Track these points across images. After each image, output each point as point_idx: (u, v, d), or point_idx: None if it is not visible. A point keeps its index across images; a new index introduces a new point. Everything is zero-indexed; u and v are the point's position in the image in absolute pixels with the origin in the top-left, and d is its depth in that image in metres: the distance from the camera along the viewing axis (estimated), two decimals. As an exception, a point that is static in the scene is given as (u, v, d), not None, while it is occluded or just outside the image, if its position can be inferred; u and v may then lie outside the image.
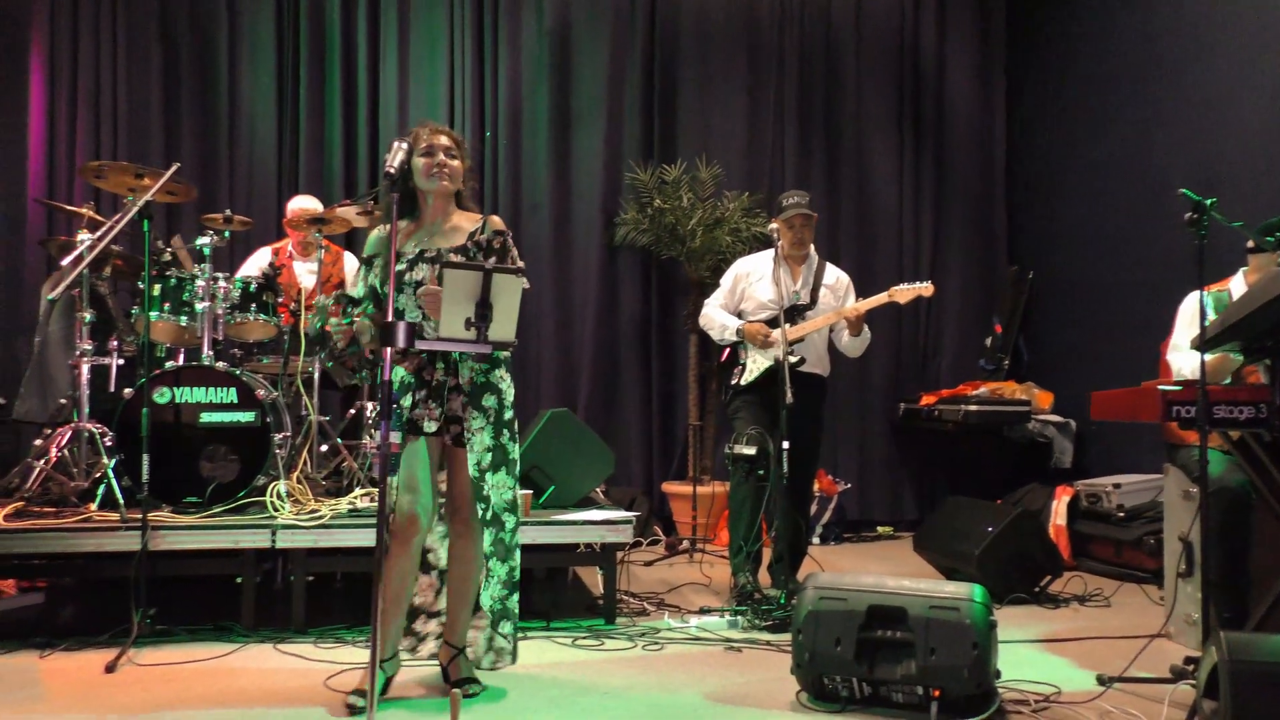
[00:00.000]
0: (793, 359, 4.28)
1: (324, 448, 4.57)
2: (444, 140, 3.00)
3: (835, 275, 4.68)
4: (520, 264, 2.64)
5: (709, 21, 6.72)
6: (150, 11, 6.02)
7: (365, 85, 6.30)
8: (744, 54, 6.75)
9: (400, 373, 2.99)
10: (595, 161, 6.57)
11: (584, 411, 6.27)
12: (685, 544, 5.82)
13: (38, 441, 4.25)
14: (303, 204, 5.11)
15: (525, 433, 4.80)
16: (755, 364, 4.49)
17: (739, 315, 4.62)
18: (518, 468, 3.09)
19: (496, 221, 3.07)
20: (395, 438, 2.52)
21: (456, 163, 3.00)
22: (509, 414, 3.05)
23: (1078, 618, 4.28)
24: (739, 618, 4.05)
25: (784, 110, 6.78)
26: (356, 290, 3.09)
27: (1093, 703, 3.04)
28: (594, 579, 4.69)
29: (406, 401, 2.96)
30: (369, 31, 6.32)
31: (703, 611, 4.24)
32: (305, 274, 4.95)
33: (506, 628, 3.09)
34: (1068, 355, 6.43)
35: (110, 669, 3.29)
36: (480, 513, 2.97)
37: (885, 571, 4.58)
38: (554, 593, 4.72)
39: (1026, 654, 3.64)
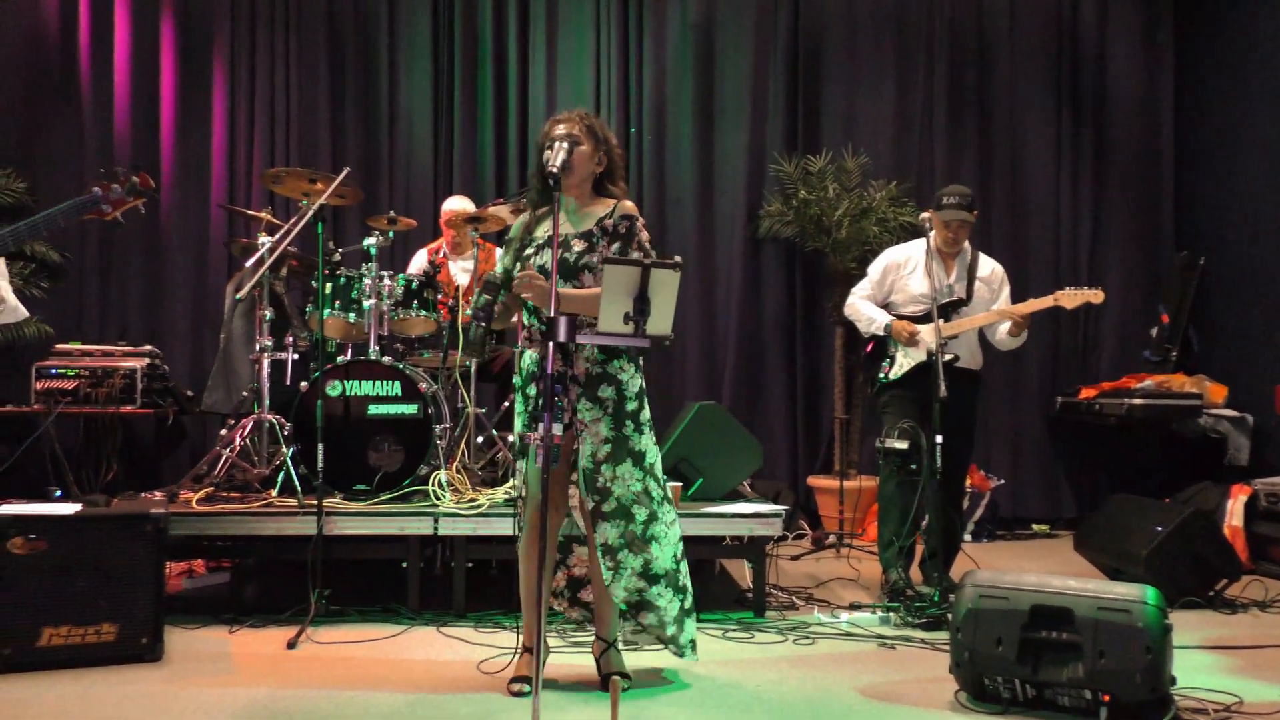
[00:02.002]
0: (946, 356, 4.19)
1: (480, 439, 4.74)
2: (560, 130, 2.98)
3: (989, 267, 4.54)
4: (678, 258, 2.66)
5: (855, 7, 6.61)
6: (318, 23, 6.36)
7: (515, 85, 6.48)
8: (891, 39, 6.61)
9: (528, 359, 3.05)
10: (739, 154, 6.57)
11: (728, 404, 6.27)
12: (832, 539, 5.76)
13: (223, 431, 4.57)
14: (457, 204, 5.30)
15: (673, 425, 4.86)
16: (905, 358, 4.41)
17: (887, 307, 4.54)
18: (651, 459, 3.04)
19: (628, 206, 3.07)
20: (556, 429, 2.59)
21: (580, 149, 2.97)
22: (632, 405, 2.99)
23: (1258, 625, 4.03)
24: (891, 614, 4.00)
25: (933, 95, 6.60)
26: (497, 269, 3.15)
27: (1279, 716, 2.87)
28: (740, 572, 4.71)
29: (531, 391, 3.02)
30: (518, 32, 6.49)
31: (853, 607, 4.20)
32: (460, 272, 5.14)
33: (650, 619, 3.09)
34: (1244, 346, 6.04)
35: (292, 645, 3.51)
36: (594, 504, 2.99)
37: (1044, 570, 4.42)
38: (701, 584, 4.74)
39: (1201, 660, 3.46)
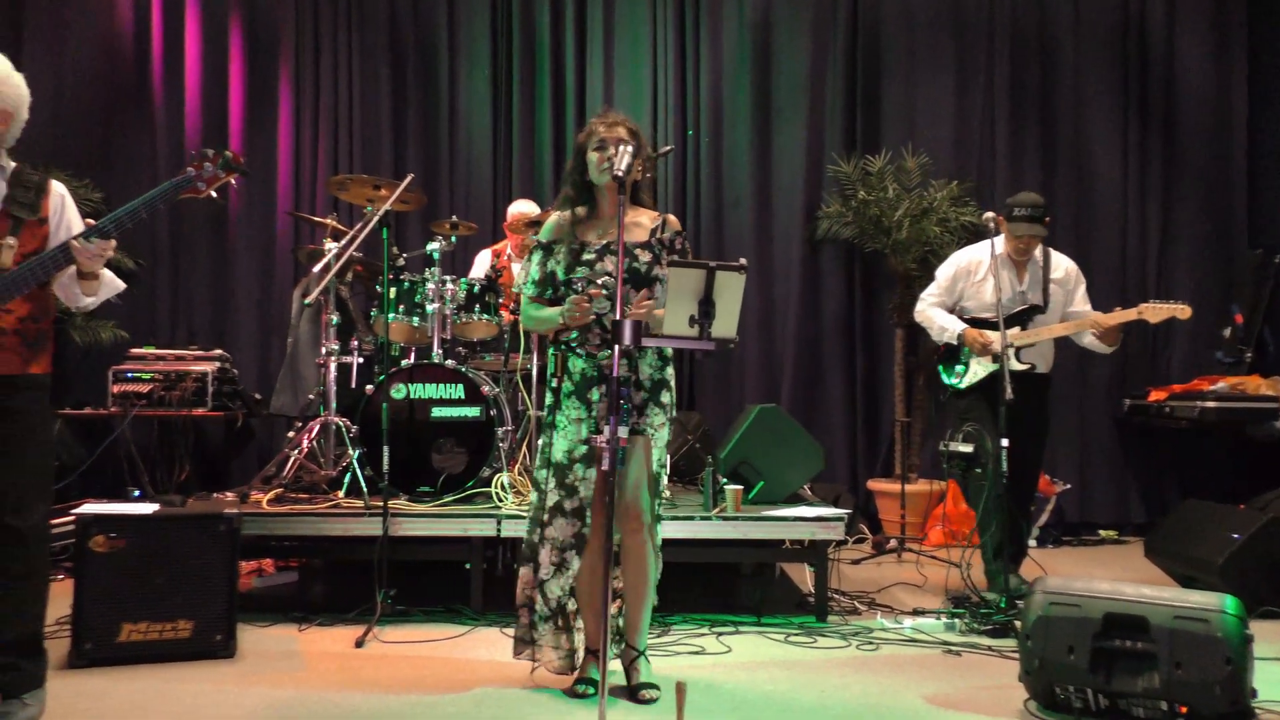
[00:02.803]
0: (1022, 365, 4.13)
1: (540, 441, 4.76)
2: (620, 132, 2.96)
3: (1063, 267, 4.44)
4: (743, 261, 2.66)
5: (913, 5, 6.53)
6: (380, 31, 6.47)
7: (572, 88, 6.52)
8: (951, 37, 6.52)
9: (581, 362, 3.04)
10: (797, 155, 6.53)
11: (787, 407, 6.23)
12: (893, 543, 5.70)
13: (290, 433, 4.66)
14: (521, 208, 5.35)
15: (733, 428, 4.86)
16: (979, 365, 4.33)
17: (960, 312, 4.47)
18: None
19: (675, 221, 3.08)
20: (622, 432, 2.60)
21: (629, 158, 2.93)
22: (675, 412, 3.10)
23: (1341, 636, 3.90)
24: (956, 620, 3.94)
25: (994, 94, 6.50)
26: (531, 274, 3.11)
27: (1366, 730, 2.78)
28: (801, 575, 4.69)
29: (594, 395, 3.01)
30: (576, 35, 6.53)
31: (917, 613, 4.15)
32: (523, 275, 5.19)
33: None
34: (1325, 347, 5.85)
35: (359, 644, 3.57)
36: (657, 508, 3.01)
37: (1113, 577, 4.32)
38: (762, 588, 4.75)
39: (1283, 673, 3.36)
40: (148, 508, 3.47)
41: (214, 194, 2.75)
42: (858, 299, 6.51)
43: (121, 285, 2.86)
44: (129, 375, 5.28)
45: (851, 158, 6.29)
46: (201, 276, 6.34)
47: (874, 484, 6.25)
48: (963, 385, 4.39)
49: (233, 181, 2.76)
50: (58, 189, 2.77)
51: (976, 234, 5.56)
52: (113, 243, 2.65)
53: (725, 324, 2.65)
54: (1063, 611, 2.86)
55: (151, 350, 5.50)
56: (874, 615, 4.13)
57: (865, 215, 6.12)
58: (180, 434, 5.66)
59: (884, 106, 6.56)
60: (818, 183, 6.49)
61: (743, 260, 2.66)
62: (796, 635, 3.81)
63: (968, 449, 4.16)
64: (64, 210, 2.76)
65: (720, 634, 3.81)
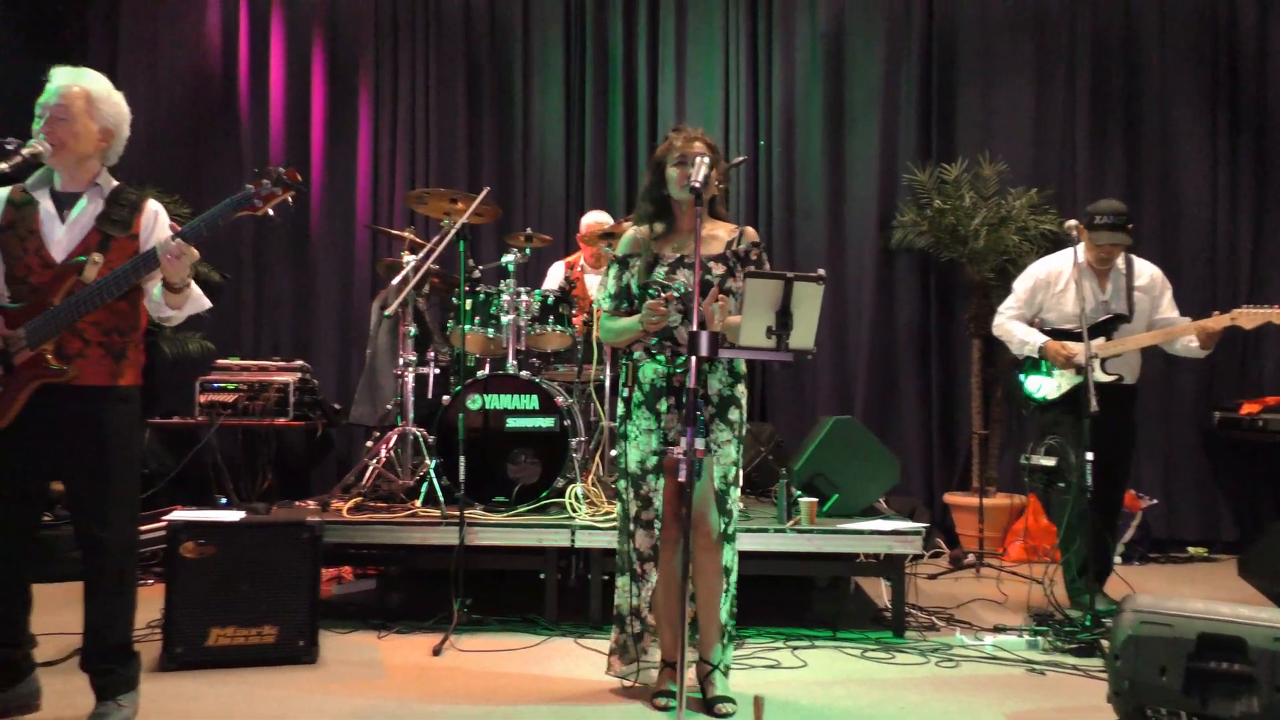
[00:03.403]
0: (1108, 377, 4.02)
1: (614, 452, 4.79)
2: (697, 147, 2.99)
3: (1147, 274, 4.32)
4: (821, 272, 2.64)
5: (991, 8, 6.42)
6: (456, 47, 6.59)
7: (645, 100, 6.55)
8: (1030, 41, 6.39)
9: (650, 373, 3.05)
10: (870, 164, 6.46)
11: (860, 418, 6.12)
12: (970, 558, 5.59)
13: (369, 443, 4.76)
14: (595, 218, 5.38)
15: (807, 440, 4.81)
16: (1063, 378, 4.23)
17: (1040, 324, 4.36)
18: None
19: (752, 233, 3.08)
20: (700, 444, 2.60)
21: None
22: (744, 431, 3.07)
23: None
24: (1039, 638, 3.85)
25: (1075, 97, 6.35)
26: (608, 288, 3.14)
27: None
28: (876, 590, 4.62)
29: (662, 406, 3.01)
30: (648, 48, 6.56)
31: (998, 630, 4.06)
32: (596, 286, 5.21)
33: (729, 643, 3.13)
34: None
35: (436, 652, 3.62)
36: (724, 526, 2.99)
37: (1205, 596, 4.17)
38: (837, 602, 4.69)
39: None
40: (234, 515, 3.57)
41: (270, 212, 2.79)
42: (933, 309, 6.41)
43: (208, 303, 2.92)
44: (215, 385, 5.44)
45: (926, 166, 6.20)
46: (284, 289, 6.52)
47: (950, 498, 6.13)
48: (1046, 398, 4.29)
49: (289, 199, 2.80)
50: (152, 206, 2.86)
51: (1056, 243, 5.43)
52: (194, 251, 2.70)
53: (803, 335, 2.63)
54: (1154, 631, 2.76)
55: (236, 361, 5.66)
56: (953, 632, 4.05)
57: (940, 224, 6.02)
58: (263, 443, 5.82)
59: (960, 113, 6.45)
60: (892, 192, 6.41)
61: (821, 271, 2.64)
62: (873, 651, 3.75)
63: (1050, 463, 4.07)
64: (155, 226, 2.82)
65: (795, 648, 3.78)
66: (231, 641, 3.39)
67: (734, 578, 3.09)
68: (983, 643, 3.88)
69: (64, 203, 2.76)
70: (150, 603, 3.40)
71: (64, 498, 3.12)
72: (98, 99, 2.75)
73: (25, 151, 2.61)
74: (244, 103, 6.55)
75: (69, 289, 2.67)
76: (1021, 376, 4.44)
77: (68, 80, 2.74)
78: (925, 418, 6.38)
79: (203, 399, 5.40)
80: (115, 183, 2.84)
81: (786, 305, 2.60)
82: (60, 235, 2.73)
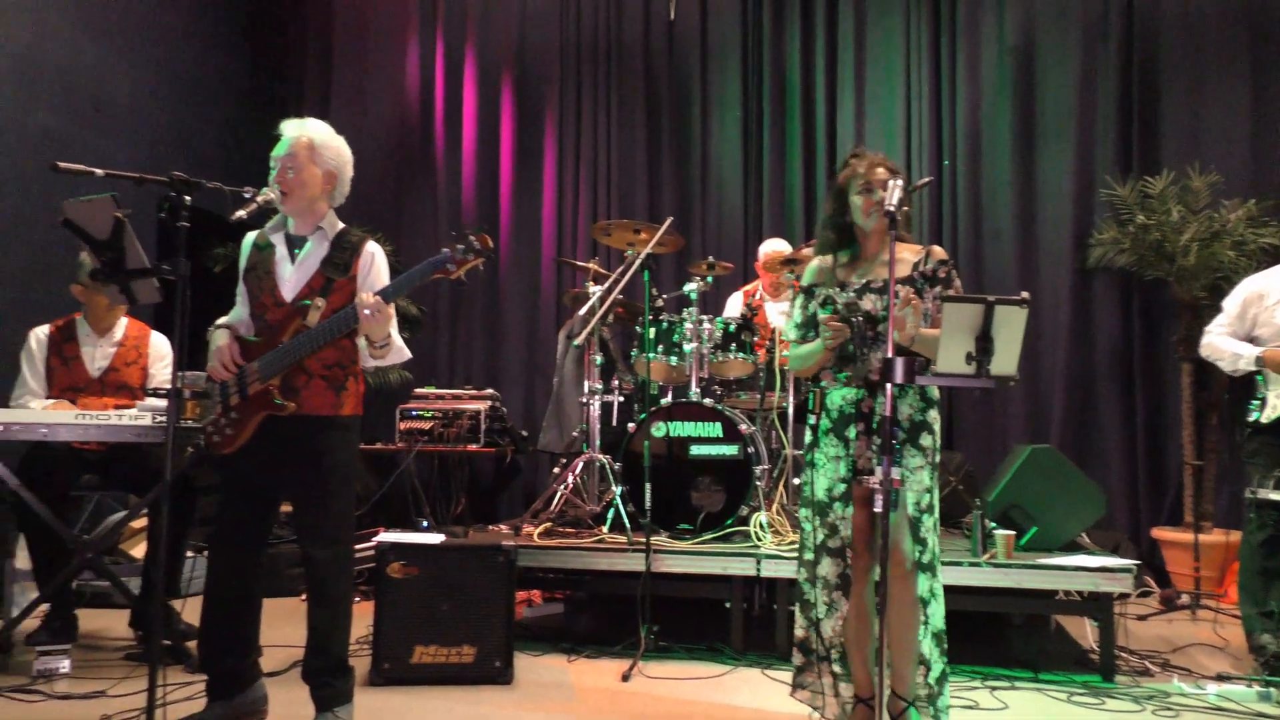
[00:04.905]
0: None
1: (796, 480, 4.73)
2: (881, 174, 2.92)
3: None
4: (1026, 295, 2.53)
5: (1198, 11, 6.01)
6: (637, 82, 6.77)
7: (823, 126, 6.51)
8: (1245, 41, 5.92)
9: (837, 399, 2.98)
10: (1064, 180, 6.17)
11: (1055, 447, 5.84)
12: (1185, 598, 5.19)
13: (555, 469, 4.89)
14: (774, 246, 5.37)
15: (1001, 469, 4.62)
16: (1278, 398, 3.89)
17: (1253, 344, 4.04)
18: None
19: (939, 252, 2.99)
20: (896, 473, 2.53)
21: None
22: (938, 458, 2.95)
23: None
24: (1272, 689, 3.52)
25: (1300, 97, 5.86)
26: (794, 318, 3.11)
27: None
28: (1079, 629, 4.37)
29: (851, 433, 2.94)
30: (826, 73, 6.54)
31: (1221, 678, 3.74)
32: (776, 314, 5.19)
33: (934, 675, 2.97)
34: None
35: (626, 678, 3.66)
36: (918, 554, 2.89)
37: None
38: (1036, 641, 4.45)
39: None
40: (435, 538, 3.73)
41: (463, 277, 2.89)
42: (1135, 331, 6.03)
43: (408, 354, 3.07)
44: (413, 414, 5.73)
45: (1127, 179, 5.86)
46: (475, 320, 6.83)
47: (1160, 533, 5.72)
48: (1265, 420, 3.94)
49: (480, 268, 2.90)
50: (369, 248, 3.04)
51: (1279, 257, 5.02)
52: (390, 309, 2.85)
53: (1005, 361, 2.52)
54: None
55: (432, 390, 5.95)
56: (1169, 678, 3.76)
57: (1144, 241, 5.67)
58: (456, 468, 6.08)
59: (1164, 121, 6.07)
60: (1088, 208, 6.09)
61: (1025, 294, 2.53)
62: (1081, 695, 3.54)
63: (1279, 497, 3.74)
64: (371, 269, 3.01)
65: (994, 688, 3.61)
66: (434, 660, 3.54)
67: (935, 609, 2.97)
68: (1205, 691, 3.59)
69: (295, 244, 3.00)
70: (357, 619, 3.59)
71: (287, 518, 3.35)
72: (320, 145, 2.97)
73: (260, 199, 2.84)
74: (439, 143, 6.96)
75: (295, 329, 2.88)
76: (1240, 400, 4.11)
77: (295, 131, 2.97)
78: (1129, 447, 5.99)
79: (402, 426, 5.70)
80: (340, 225, 3.05)
81: (987, 330, 2.50)
82: (290, 275, 2.96)
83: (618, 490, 4.36)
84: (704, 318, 4.64)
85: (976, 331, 2.51)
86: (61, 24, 5.51)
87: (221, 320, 3.05)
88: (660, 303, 4.75)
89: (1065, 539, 4.25)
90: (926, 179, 5.10)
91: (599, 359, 4.77)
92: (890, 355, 2.54)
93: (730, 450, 4.33)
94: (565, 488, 4.62)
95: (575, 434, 5.12)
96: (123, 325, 4.13)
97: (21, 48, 5.23)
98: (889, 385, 2.50)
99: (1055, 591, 4.03)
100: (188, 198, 2.58)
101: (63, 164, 2.56)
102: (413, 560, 3.58)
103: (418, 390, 5.96)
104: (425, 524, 4.08)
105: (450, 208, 6.84)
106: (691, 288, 4.69)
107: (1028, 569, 3.88)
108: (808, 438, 3.10)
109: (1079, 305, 6.11)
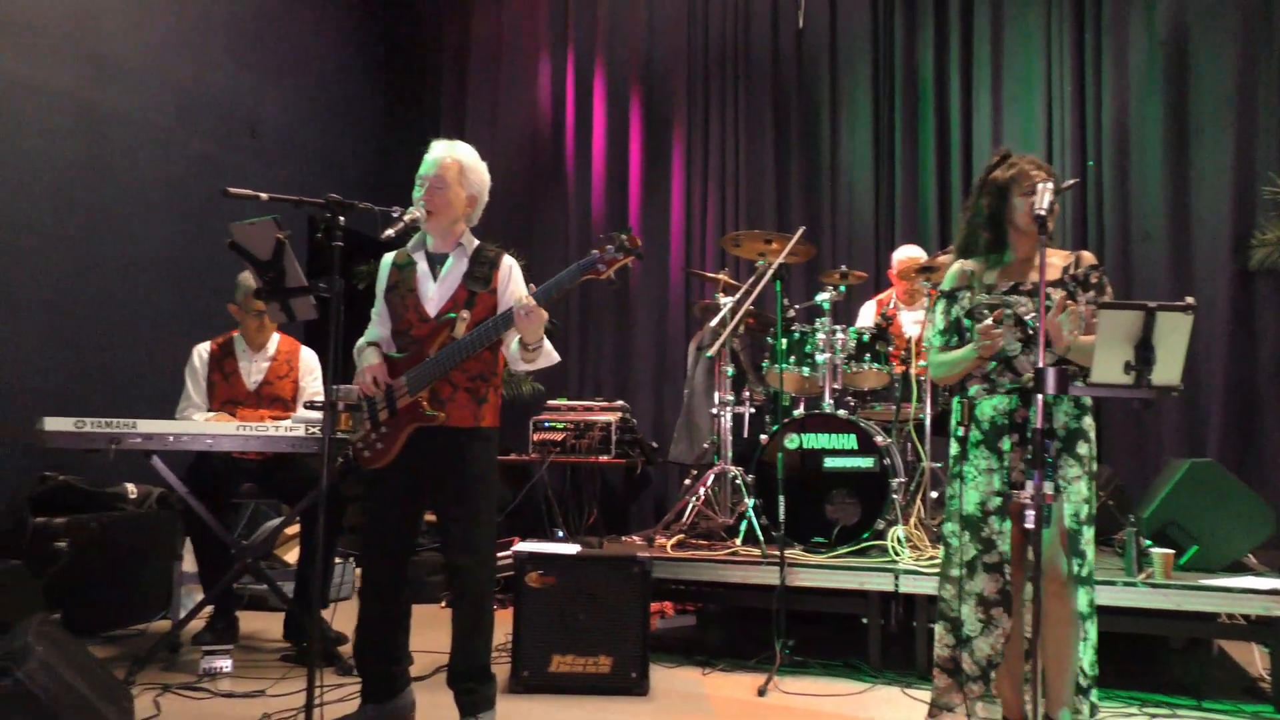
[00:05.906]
0: None
1: (935, 494, 4.60)
2: (1041, 175, 2.85)
3: None
4: (1191, 300, 2.39)
5: (1370, -9, 5.60)
6: (765, 89, 6.73)
7: (958, 130, 6.33)
8: None
9: (988, 409, 2.88)
10: (1220, 178, 5.81)
11: (1214, 460, 5.51)
12: (1366, 624, 4.79)
13: (687, 481, 4.89)
14: (909, 253, 5.25)
15: (1157, 484, 4.38)
16: None
17: None
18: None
19: (1089, 257, 2.90)
20: (1048, 488, 2.43)
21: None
22: (1094, 466, 2.84)
23: None
24: None
25: None
26: (935, 324, 3.04)
27: None
28: (1245, 655, 4.10)
29: (1006, 445, 2.84)
30: (961, 75, 6.35)
31: None
32: (911, 323, 5.07)
33: (1095, 695, 2.84)
34: None
35: (761, 693, 3.62)
36: (1076, 568, 2.75)
37: None
38: (1198, 667, 4.20)
39: None
40: (571, 548, 3.78)
41: (613, 276, 2.92)
42: (1303, 336, 5.63)
43: (557, 357, 3.13)
44: (546, 425, 5.83)
45: (1293, 176, 5.49)
46: (606, 332, 6.91)
47: (1335, 553, 5.31)
48: None
49: (629, 265, 2.92)
50: (506, 261, 3.13)
51: None
52: (544, 311, 2.90)
53: (1168, 370, 2.39)
54: None
55: (564, 402, 6.04)
56: (1354, 713, 3.49)
57: (1313, 241, 5.30)
58: (587, 479, 6.15)
59: (1336, 111, 5.66)
60: (1249, 207, 5.72)
61: (1190, 299, 2.39)
62: (1251, 727, 3.32)
63: None
64: (510, 280, 3.10)
65: (1153, 716, 3.42)
66: (570, 669, 3.58)
67: (1092, 625, 2.84)
68: (1396, 728, 3.32)
69: (435, 262, 3.11)
70: (497, 627, 3.65)
71: (431, 527, 3.44)
72: (468, 169, 3.07)
73: (406, 218, 2.94)
74: (569, 157, 7.08)
75: (442, 341, 2.98)
76: None
77: (443, 153, 3.07)
78: (1298, 460, 5.59)
79: (536, 437, 5.80)
80: (476, 241, 3.15)
81: (1148, 338, 2.38)
82: (433, 292, 3.06)
83: (750, 502, 4.32)
84: (837, 328, 4.57)
85: (1135, 340, 2.39)
86: (223, 57, 5.86)
87: (363, 339, 3.17)
88: (792, 313, 4.70)
89: (1229, 559, 4.00)
90: (1072, 180, 4.89)
91: (730, 370, 4.75)
92: (1042, 364, 2.44)
93: (865, 463, 4.25)
94: (697, 499, 4.61)
95: (706, 446, 5.11)
96: (275, 341, 4.35)
97: (184, 79, 5.58)
98: (1039, 395, 2.40)
99: (1217, 614, 3.79)
100: (341, 218, 2.70)
101: (232, 189, 2.71)
102: (550, 570, 3.63)
103: (550, 402, 6.06)
104: (561, 534, 4.13)
105: (580, 221, 6.95)
106: (824, 297, 4.63)
107: (1189, 590, 3.66)
108: (954, 449, 3.01)
109: (1239, 310, 5.73)
